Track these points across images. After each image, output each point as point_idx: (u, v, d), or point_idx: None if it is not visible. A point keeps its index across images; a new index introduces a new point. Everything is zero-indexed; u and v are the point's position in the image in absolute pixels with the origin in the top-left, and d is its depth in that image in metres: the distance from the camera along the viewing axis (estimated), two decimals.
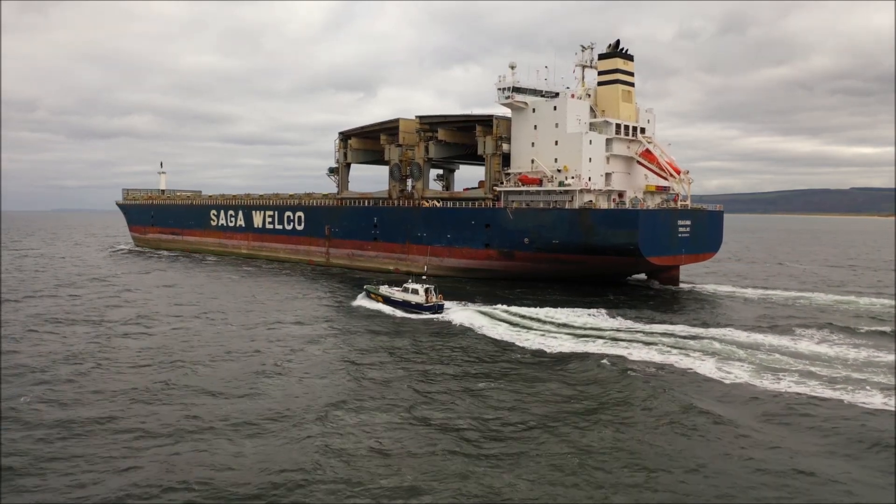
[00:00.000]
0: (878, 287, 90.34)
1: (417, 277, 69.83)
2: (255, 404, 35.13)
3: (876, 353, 46.33)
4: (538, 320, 59.50)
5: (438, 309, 62.75)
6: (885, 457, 28.69)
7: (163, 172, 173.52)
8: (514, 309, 64.10)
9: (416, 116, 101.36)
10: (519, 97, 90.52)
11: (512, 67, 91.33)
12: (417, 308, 62.86)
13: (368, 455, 28.63)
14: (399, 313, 62.75)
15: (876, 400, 36.04)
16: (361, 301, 69.44)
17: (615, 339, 51.22)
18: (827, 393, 37.26)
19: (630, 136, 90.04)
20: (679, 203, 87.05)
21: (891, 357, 45.11)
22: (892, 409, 34.63)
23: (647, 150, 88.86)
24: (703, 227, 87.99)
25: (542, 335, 53.10)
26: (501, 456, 28.51)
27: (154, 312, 62.34)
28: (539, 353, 47.36)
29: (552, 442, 30.18)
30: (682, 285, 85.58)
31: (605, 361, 44.08)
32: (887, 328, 56.20)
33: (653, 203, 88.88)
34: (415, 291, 64.09)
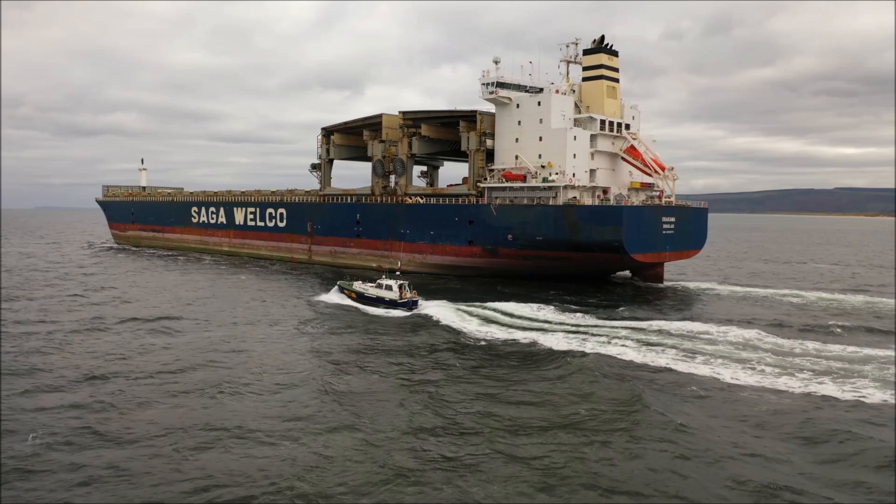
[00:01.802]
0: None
1: (391, 273, 68.65)
2: (224, 411, 33.30)
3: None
4: (517, 317, 58.41)
5: (413, 305, 61.55)
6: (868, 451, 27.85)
7: (144, 169, 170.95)
8: (493, 305, 63.04)
9: (400, 112, 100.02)
10: (503, 92, 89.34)
11: (496, 62, 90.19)
12: (391, 304, 61.64)
13: (336, 459, 27.39)
14: (373, 310, 61.40)
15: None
16: (335, 297, 67.95)
17: (588, 334, 50.48)
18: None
19: (615, 133, 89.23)
20: (664, 200, 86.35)
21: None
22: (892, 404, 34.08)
23: (632, 147, 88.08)
24: (687, 224, 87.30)
25: (522, 331, 52.02)
26: (471, 458, 27.36)
27: (117, 316, 59.03)
28: (516, 350, 46.30)
29: (524, 443, 29.06)
30: (701, 286, 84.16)
31: (574, 358, 43.21)
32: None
33: (637, 200, 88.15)
34: (388, 287, 62.86)
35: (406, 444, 28.72)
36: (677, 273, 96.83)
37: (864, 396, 35.45)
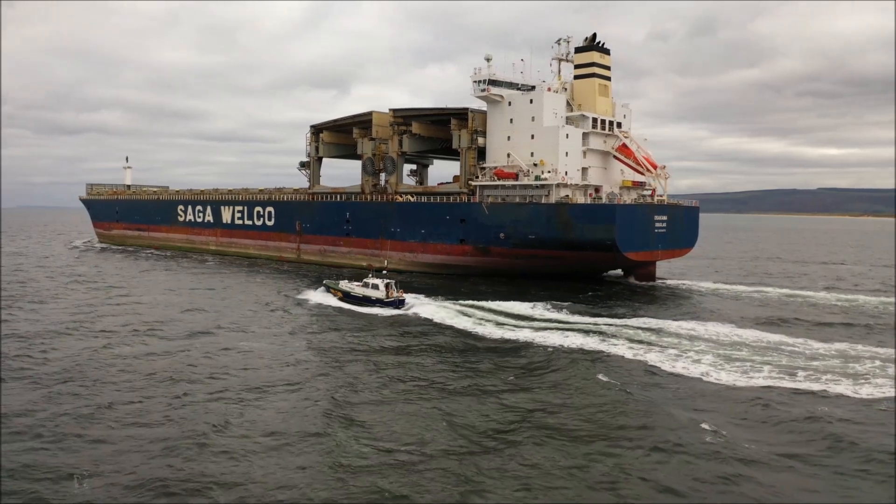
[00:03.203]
0: None
1: (378, 272, 67.80)
2: (208, 417, 31.94)
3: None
4: (511, 315, 57.80)
5: (399, 304, 60.78)
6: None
7: (128, 167, 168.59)
8: (485, 304, 62.36)
9: (390, 109, 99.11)
10: (495, 90, 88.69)
11: (488, 60, 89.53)
12: (378, 303, 60.85)
13: (327, 464, 26.52)
14: (362, 309, 60.42)
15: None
16: (321, 297, 66.93)
17: (579, 331, 50.27)
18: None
19: (606, 131, 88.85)
20: (656, 198, 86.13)
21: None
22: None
23: (624, 145, 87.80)
24: (679, 223, 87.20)
25: (513, 329, 51.57)
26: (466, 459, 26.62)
27: (93, 318, 56.97)
28: (515, 348, 45.62)
29: (512, 442, 28.38)
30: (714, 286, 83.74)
31: (563, 354, 42.94)
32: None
33: (628, 198, 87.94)
34: (375, 286, 62.05)
35: (427, 451, 27.87)
36: (698, 274, 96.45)
37: None
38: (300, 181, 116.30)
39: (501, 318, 56.37)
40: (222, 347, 45.71)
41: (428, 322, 54.97)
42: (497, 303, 62.98)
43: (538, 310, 60.28)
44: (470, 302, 63.48)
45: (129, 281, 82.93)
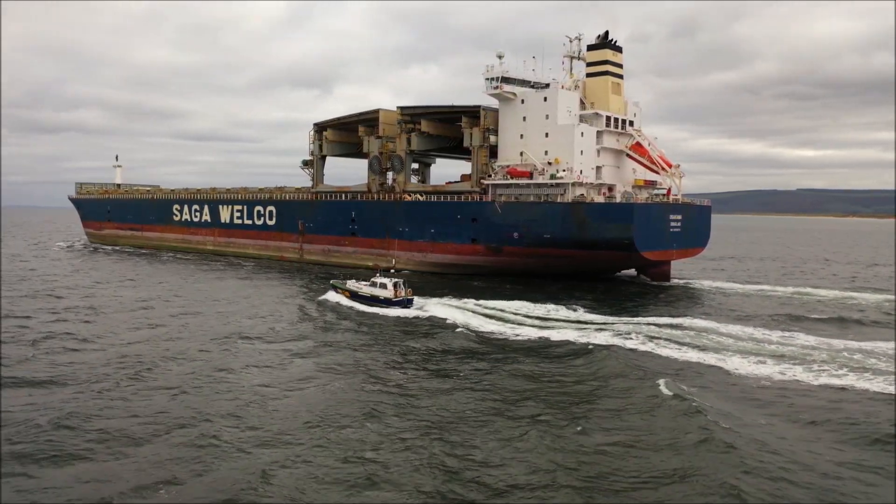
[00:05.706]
0: None
1: (386, 272, 66.29)
2: (209, 419, 30.16)
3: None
4: (517, 314, 56.99)
5: (408, 303, 59.48)
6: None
7: (118, 166, 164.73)
8: (491, 303, 61.25)
9: (398, 107, 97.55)
10: (507, 87, 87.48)
11: (500, 57, 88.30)
12: (386, 303, 59.51)
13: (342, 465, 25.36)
14: (374, 309, 58.82)
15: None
16: (328, 297, 65.36)
17: (587, 330, 50.01)
18: None
19: (620, 129, 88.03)
20: (671, 197, 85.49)
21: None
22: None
23: (638, 143, 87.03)
24: (693, 222, 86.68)
25: (520, 328, 51.01)
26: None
27: (94, 316, 55.21)
28: (519, 345, 44.95)
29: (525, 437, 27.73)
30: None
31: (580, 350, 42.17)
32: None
33: (641, 197, 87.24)
34: (383, 286, 60.65)
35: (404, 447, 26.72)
36: (775, 279, 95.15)
37: None
38: (287, 179, 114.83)
39: (521, 318, 55.35)
40: (224, 347, 43.56)
41: (438, 321, 53.56)
42: (512, 303, 61.81)
43: (556, 310, 59.25)
44: (485, 302, 62.07)
45: (142, 283, 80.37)
